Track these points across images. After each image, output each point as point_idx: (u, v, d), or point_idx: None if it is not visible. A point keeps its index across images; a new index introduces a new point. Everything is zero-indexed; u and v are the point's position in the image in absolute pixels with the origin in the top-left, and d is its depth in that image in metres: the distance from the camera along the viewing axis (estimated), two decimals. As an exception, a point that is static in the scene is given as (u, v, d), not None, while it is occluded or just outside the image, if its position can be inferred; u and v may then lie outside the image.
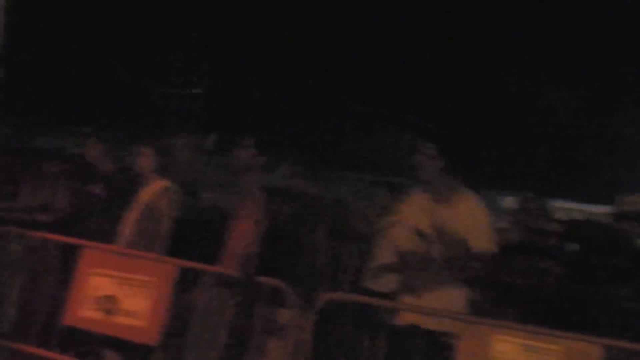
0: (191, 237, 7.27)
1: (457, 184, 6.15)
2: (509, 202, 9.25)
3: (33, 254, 6.75)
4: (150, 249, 6.87)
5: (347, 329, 6.17)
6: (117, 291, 6.13)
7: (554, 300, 6.61)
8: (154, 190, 7.30)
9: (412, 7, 17.08)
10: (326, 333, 5.92)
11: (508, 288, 6.62)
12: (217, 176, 8.07)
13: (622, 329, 6.03)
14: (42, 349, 6.41)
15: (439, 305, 5.88)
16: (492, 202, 8.51)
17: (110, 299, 6.13)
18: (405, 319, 5.99)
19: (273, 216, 6.99)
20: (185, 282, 6.21)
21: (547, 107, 19.72)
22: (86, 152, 8.26)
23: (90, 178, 7.98)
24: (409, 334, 5.92)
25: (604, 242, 7.23)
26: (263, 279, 6.10)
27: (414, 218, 6.14)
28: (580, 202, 15.53)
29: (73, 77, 18.14)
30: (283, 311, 6.05)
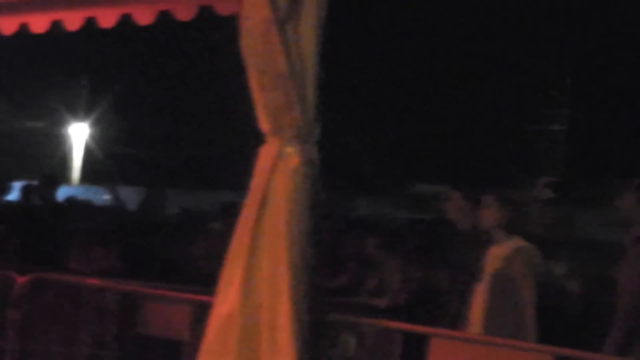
0: (563, 313, 5.90)
1: None
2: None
3: (370, 345, 5.59)
4: (510, 333, 5.65)
5: None
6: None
7: None
8: (503, 252, 6.05)
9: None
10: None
11: None
12: (592, 233, 6.67)
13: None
14: None
15: None
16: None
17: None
18: None
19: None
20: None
21: None
22: (447, 208, 7.00)
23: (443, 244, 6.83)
24: None
25: None
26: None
27: None
28: None
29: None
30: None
